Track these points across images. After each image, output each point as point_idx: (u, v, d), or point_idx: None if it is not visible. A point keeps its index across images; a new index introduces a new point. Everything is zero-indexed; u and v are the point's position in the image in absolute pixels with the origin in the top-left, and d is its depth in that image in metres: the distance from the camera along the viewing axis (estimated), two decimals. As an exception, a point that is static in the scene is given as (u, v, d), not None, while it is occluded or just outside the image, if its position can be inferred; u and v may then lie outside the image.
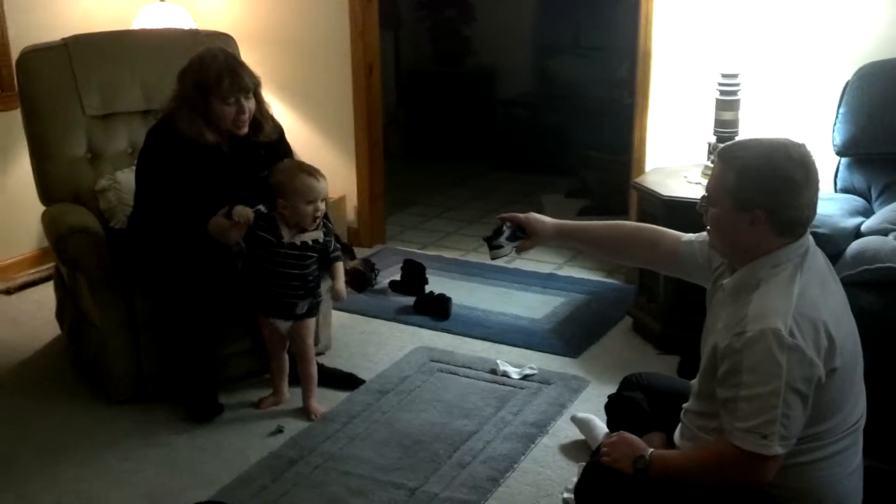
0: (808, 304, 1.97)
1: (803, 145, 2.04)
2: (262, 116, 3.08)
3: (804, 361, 1.92)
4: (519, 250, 2.45)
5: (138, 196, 3.10)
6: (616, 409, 2.63)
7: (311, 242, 2.97)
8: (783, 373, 1.91)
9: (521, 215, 2.45)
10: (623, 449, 2.22)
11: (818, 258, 2.12)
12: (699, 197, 2.19)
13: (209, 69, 2.93)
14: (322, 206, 2.95)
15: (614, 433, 2.33)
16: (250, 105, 2.99)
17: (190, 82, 2.96)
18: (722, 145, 2.20)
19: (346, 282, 4.12)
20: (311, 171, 2.96)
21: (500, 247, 2.40)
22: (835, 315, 2.02)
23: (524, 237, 2.42)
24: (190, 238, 2.93)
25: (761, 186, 2.00)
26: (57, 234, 3.10)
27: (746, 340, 1.96)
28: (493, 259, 2.46)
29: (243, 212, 2.88)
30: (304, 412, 3.08)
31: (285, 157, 3.18)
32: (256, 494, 2.61)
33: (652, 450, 2.18)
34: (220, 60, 2.96)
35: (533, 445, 2.86)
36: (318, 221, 2.97)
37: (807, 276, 2.02)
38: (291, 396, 3.17)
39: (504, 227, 2.40)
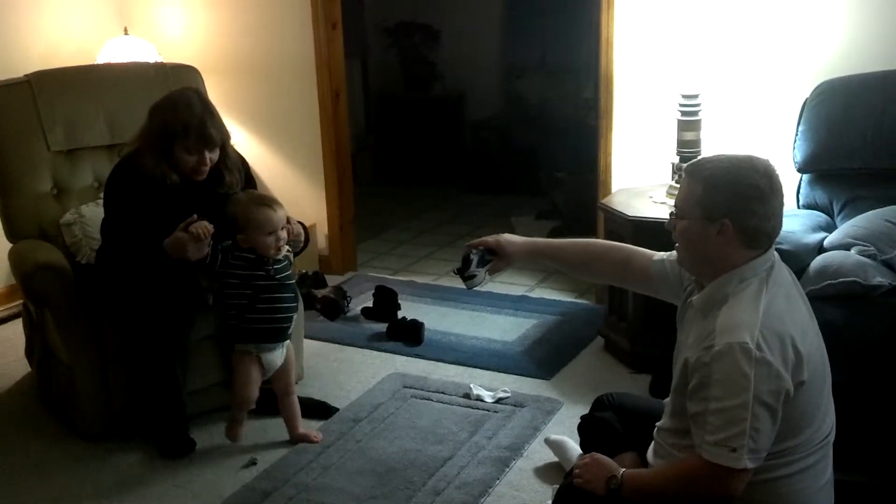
0: (774, 317, 2.00)
1: (767, 159, 2.09)
2: (225, 168, 3.06)
3: (771, 374, 1.95)
4: (492, 272, 2.45)
5: (104, 230, 3.09)
6: (588, 430, 2.63)
7: (286, 253, 3.00)
8: (751, 386, 1.93)
9: (489, 239, 2.46)
10: (595, 470, 2.23)
11: (784, 273, 2.15)
12: (668, 214, 2.22)
13: (179, 116, 2.91)
14: (283, 234, 2.93)
15: (587, 454, 2.34)
16: (213, 156, 2.98)
17: (158, 123, 2.95)
18: (688, 163, 2.23)
19: (317, 309, 4.16)
20: (267, 202, 2.94)
21: (474, 275, 2.39)
22: (801, 329, 2.05)
23: (493, 259, 2.43)
24: (155, 271, 2.92)
25: (728, 195, 2.04)
26: (23, 271, 3.08)
27: (714, 354, 1.99)
28: (469, 289, 2.44)
29: (202, 224, 2.86)
30: (296, 441, 3.06)
31: None
32: (230, 528, 2.59)
33: (624, 469, 2.20)
34: (193, 110, 2.92)
35: (507, 469, 2.87)
36: (281, 251, 2.95)
37: (773, 291, 2.05)
38: (264, 429, 3.16)
39: (471, 255, 2.41)
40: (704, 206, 2.07)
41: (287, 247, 2.98)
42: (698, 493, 2.06)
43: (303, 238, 3.08)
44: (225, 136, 3.02)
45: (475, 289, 2.44)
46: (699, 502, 2.08)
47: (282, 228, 2.93)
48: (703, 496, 2.06)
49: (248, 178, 3.23)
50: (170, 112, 2.94)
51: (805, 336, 2.05)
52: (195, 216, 2.90)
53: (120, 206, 3.01)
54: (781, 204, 2.09)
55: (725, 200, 2.05)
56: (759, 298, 2.03)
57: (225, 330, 3.05)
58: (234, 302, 2.96)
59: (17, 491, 2.85)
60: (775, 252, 2.13)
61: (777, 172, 2.07)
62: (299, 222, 3.09)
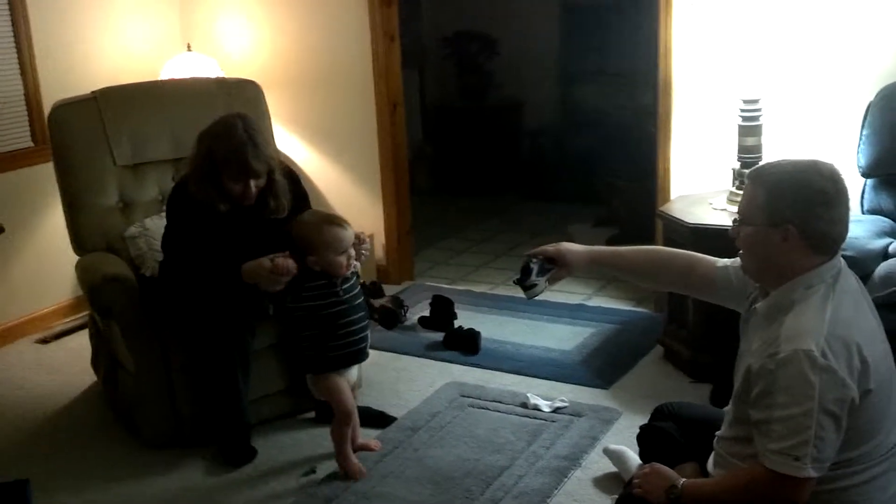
0: (840, 325, 1.97)
1: (832, 164, 2.06)
2: (271, 194, 3.08)
3: (837, 383, 1.92)
4: (552, 281, 2.44)
5: (165, 247, 3.16)
6: (648, 440, 2.62)
7: (354, 270, 2.94)
8: (816, 394, 1.91)
9: (549, 247, 2.46)
10: (655, 480, 2.21)
11: (850, 280, 2.12)
12: (731, 221, 2.21)
13: (222, 146, 2.95)
14: (353, 252, 2.88)
15: (646, 464, 2.32)
16: (259, 184, 3.01)
17: (204, 151, 3.00)
18: (751, 169, 2.21)
19: (375, 319, 4.19)
20: (337, 221, 2.87)
21: (534, 285, 2.39)
22: (868, 337, 2.01)
23: (553, 268, 2.42)
24: (214, 288, 2.98)
25: (792, 200, 2.02)
26: (90, 283, 3.16)
27: (779, 361, 1.96)
28: (529, 298, 2.43)
29: (289, 262, 2.85)
30: (356, 450, 3.00)
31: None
32: (291, 536, 2.63)
33: (684, 479, 2.18)
34: (235, 140, 2.94)
35: (566, 479, 2.85)
36: (351, 269, 2.89)
37: (839, 298, 2.02)
38: (324, 438, 3.19)
39: (531, 264, 2.40)
40: (768, 212, 2.05)
41: (357, 263, 2.93)
42: (761, 502, 2.03)
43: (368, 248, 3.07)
44: (271, 164, 3.03)
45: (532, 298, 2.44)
46: None
47: (351, 247, 2.88)
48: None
49: (299, 197, 3.24)
50: (214, 141, 2.99)
51: (872, 344, 2.01)
52: (287, 252, 2.89)
53: (177, 227, 3.09)
54: (847, 209, 2.06)
55: (790, 206, 2.02)
56: (826, 305, 2.00)
57: (301, 363, 2.98)
58: (308, 333, 2.86)
59: (84, 497, 2.92)
60: (841, 259, 2.10)
61: (842, 177, 2.04)
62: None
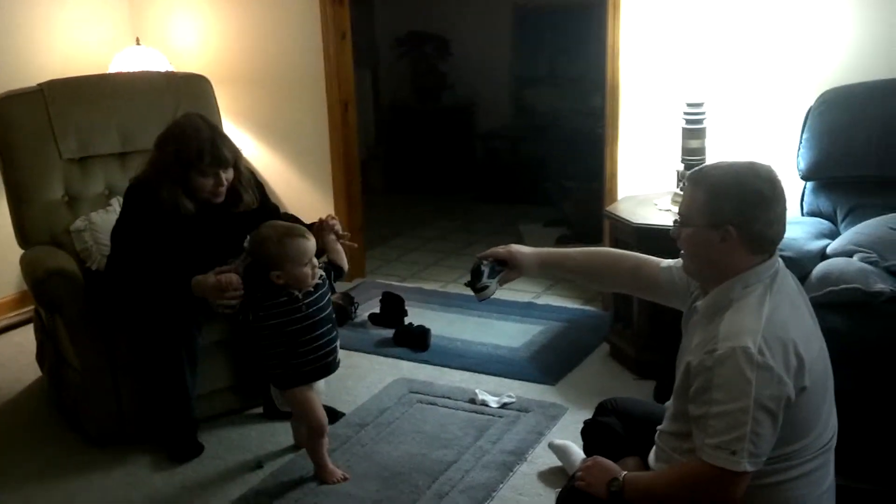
0: (777, 324, 2.02)
1: (769, 165, 2.11)
2: (241, 186, 3.09)
3: (773, 380, 1.96)
4: (503, 283, 2.46)
5: (114, 255, 3.10)
6: (591, 435, 2.65)
7: (319, 280, 2.83)
8: (752, 390, 1.95)
9: (500, 249, 2.48)
10: (597, 473, 2.25)
11: (788, 280, 2.17)
12: (672, 222, 2.25)
13: (191, 143, 2.94)
14: (315, 262, 2.79)
15: (589, 458, 2.36)
16: (228, 176, 3.01)
17: (171, 153, 2.97)
18: (691, 171, 2.26)
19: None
20: (298, 232, 2.77)
21: (486, 287, 2.40)
22: (804, 335, 2.06)
23: (503, 269, 2.45)
24: (164, 289, 2.96)
25: (731, 201, 2.06)
26: (34, 277, 3.12)
27: (717, 358, 2.01)
28: (481, 300, 2.44)
29: (230, 279, 2.81)
30: (325, 480, 2.88)
31: (271, 217, 3.12)
32: (236, 531, 2.62)
33: (625, 472, 2.22)
34: (202, 134, 2.96)
35: (511, 473, 2.88)
36: (315, 278, 2.80)
37: (777, 297, 2.07)
38: (271, 433, 3.20)
39: (482, 267, 2.42)
40: (708, 214, 2.09)
41: (320, 272, 2.84)
42: (698, 495, 2.07)
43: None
44: (237, 154, 3.05)
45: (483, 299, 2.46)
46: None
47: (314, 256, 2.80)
48: (704, 499, 2.08)
49: (263, 200, 3.24)
50: (180, 140, 2.97)
51: (808, 342, 2.06)
52: (231, 264, 2.87)
53: (132, 232, 3.03)
54: (784, 209, 2.11)
55: (729, 207, 2.07)
56: (763, 304, 2.05)
57: (268, 378, 2.92)
58: (274, 352, 2.80)
59: (26, 495, 2.89)
60: (780, 259, 2.15)
61: (779, 178, 2.09)
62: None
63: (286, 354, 2.78)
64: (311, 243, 2.77)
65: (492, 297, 2.44)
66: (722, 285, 2.12)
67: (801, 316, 2.14)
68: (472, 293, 2.43)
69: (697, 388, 2.06)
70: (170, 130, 3.04)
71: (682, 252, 2.22)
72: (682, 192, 3.56)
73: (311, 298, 2.79)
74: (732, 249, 2.08)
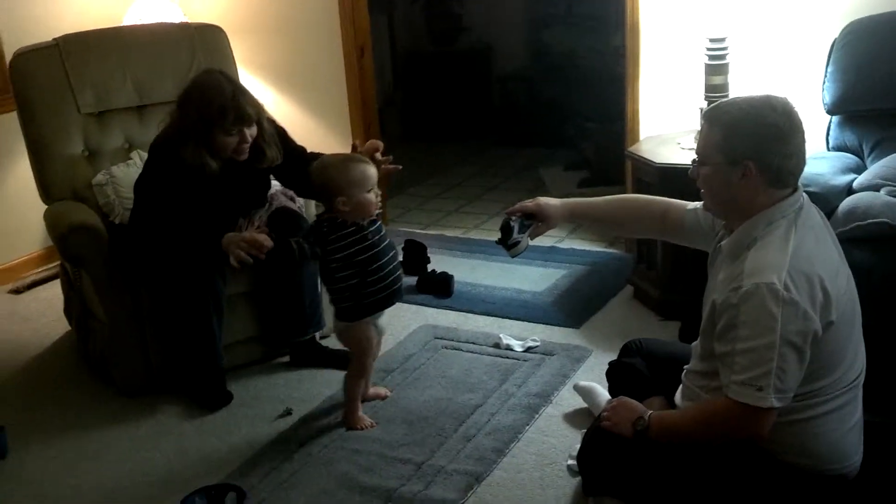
0: (803, 258, 2.00)
1: (785, 98, 2.08)
2: (263, 142, 3.06)
3: (799, 315, 1.95)
4: (533, 236, 2.46)
5: (138, 210, 3.09)
6: (616, 376, 2.67)
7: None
8: (778, 326, 1.95)
9: (528, 203, 2.47)
10: (623, 413, 2.26)
11: (814, 215, 2.15)
12: (690, 162, 2.22)
13: (213, 102, 2.90)
14: (378, 191, 2.76)
15: (615, 399, 2.37)
16: (252, 132, 2.98)
17: (193, 113, 2.92)
18: (706, 109, 2.23)
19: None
20: (359, 159, 2.76)
21: (517, 242, 2.40)
22: (831, 270, 2.05)
23: (532, 223, 2.43)
24: (189, 248, 2.97)
25: (748, 137, 2.04)
26: (58, 231, 3.14)
27: (742, 295, 2.00)
28: (514, 256, 2.44)
29: (261, 237, 2.83)
30: (365, 400, 3.00)
31: (298, 160, 3.17)
32: (266, 476, 2.66)
33: (651, 412, 2.22)
34: (225, 92, 2.91)
35: (537, 416, 2.90)
36: (377, 207, 2.78)
37: (802, 232, 2.05)
38: (299, 380, 3.23)
39: (511, 223, 2.40)
40: (726, 151, 2.07)
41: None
42: (725, 432, 2.08)
43: None
44: (260, 110, 3.02)
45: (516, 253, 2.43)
46: (725, 442, 2.10)
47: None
48: (730, 436, 2.09)
49: (287, 143, 3.23)
50: (203, 100, 2.92)
51: (835, 277, 2.05)
52: (255, 215, 2.93)
53: (157, 191, 3.01)
54: (803, 141, 2.08)
55: (746, 143, 2.05)
56: (788, 240, 2.03)
57: (338, 313, 2.85)
58: (345, 284, 2.76)
59: (58, 446, 2.94)
60: (804, 195, 2.13)
61: (796, 110, 2.06)
62: None
63: (358, 285, 2.75)
64: (372, 169, 2.74)
65: (524, 251, 2.44)
66: (746, 223, 2.11)
67: (828, 251, 2.12)
68: (502, 249, 2.42)
69: (723, 325, 2.06)
70: (191, 89, 3.00)
71: (703, 192, 2.20)
72: (704, 131, 3.53)
73: (375, 227, 2.78)
74: (753, 186, 2.06)
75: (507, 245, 2.40)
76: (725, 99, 2.19)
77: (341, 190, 2.68)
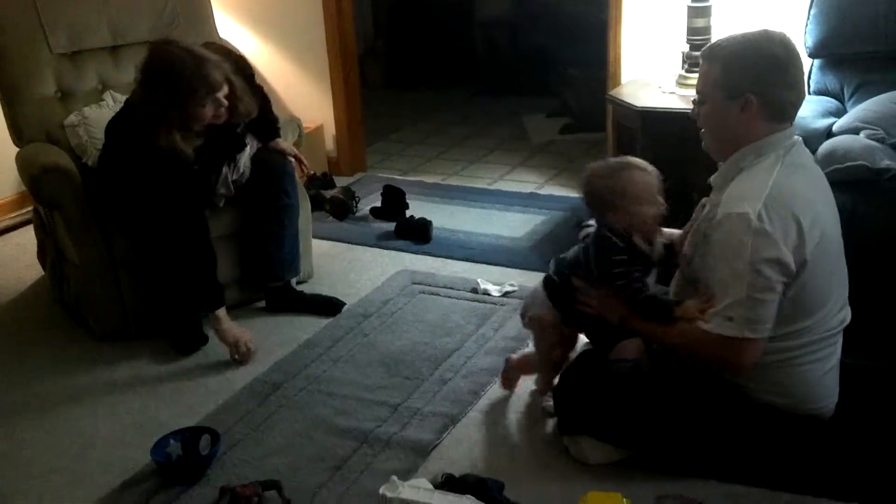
0: (782, 194, 2.00)
1: (782, 32, 2.09)
2: (236, 98, 2.97)
3: (770, 245, 1.95)
4: None
5: (109, 170, 3.05)
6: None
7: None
8: (747, 254, 1.95)
9: None
10: (611, 304, 2.26)
11: (807, 156, 2.15)
12: (690, 103, 2.22)
13: (179, 79, 2.80)
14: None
15: (601, 289, 2.33)
16: (224, 93, 2.89)
17: (160, 95, 2.83)
18: (704, 47, 2.21)
19: (326, 210, 4.18)
20: (642, 164, 2.29)
21: None
22: (811, 212, 2.04)
23: None
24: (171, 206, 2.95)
25: (747, 69, 2.05)
26: (30, 174, 3.09)
27: (715, 225, 2.02)
28: None
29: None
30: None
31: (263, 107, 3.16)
32: (242, 419, 2.65)
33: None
34: (188, 65, 2.81)
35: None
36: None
37: (789, 169, 2.05)
38: (276, 325, 3.21)
39: None
40: (726, 86, 2.07)
41: None
42: (708, 360, 2.09)
43: None
44: (226, 71, 2.92)
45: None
46: (713, 367, 2.12)
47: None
48: (713, 364, 2.10)
49: (258, 92, 3.19)
50: (168, 79, 2.82)
51: (815, 220, 2.04)
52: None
53: (131, 172, 2.96)
54: (802, 74, 2.08)
55: (746, 75, 2.05)
56: (771, 173, 2.03)
57: None
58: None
59: (34, 390, 2.92)
60: (799, 137, 2.12)
61: (793, 43, 2.05)
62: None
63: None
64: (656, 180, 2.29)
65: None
66: (734, 155, 2.10)
67: (813, 193, 2.11)
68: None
69: (699, 255, 2.07)
70: (151, 70, 2.87)
71: (703, 131, 2.19)
72: (687, 74, 3.51)
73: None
74: (753, 119, 2.06)
75: None
76: (723, 36, 2.17)
77: (613, 204, 2.28)
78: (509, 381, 2.70)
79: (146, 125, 2.85)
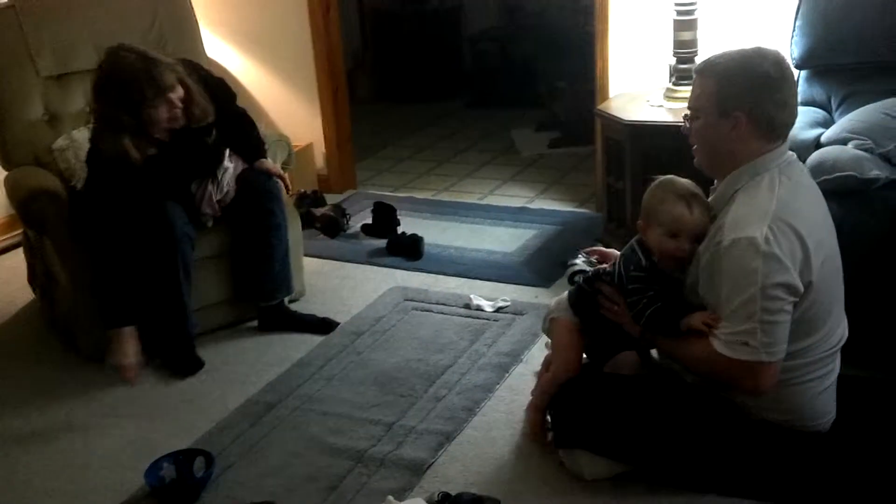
0: (785, 212, 2.00)
1: (776, 50, 2.09)
2: (191, 101, 2.96)
3: (780, 269, 1.96)
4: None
5: (90, 189, 3.03)
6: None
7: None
8: (759, 279, 1.95)
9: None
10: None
11: (802, 172, 2.15)
12: (682, 118, 2.22)
13: (128, 83, 2.79)
14: (689, 247, 2.18)
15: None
16: (178, 95, 2.89)
17: (112, 101, 2.83)
18: (698, 63, 2.22)
19: (317, 228, 4.17)
20: (687, 196, 2.18)
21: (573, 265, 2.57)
22: (813, 229, 2.05)
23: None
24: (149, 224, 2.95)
25: (740, 86, 2.05)
26: (18, 197, 3.09)
27: (723, 250, 2.01)
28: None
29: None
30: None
31: (230, 112, 3.17)
32: (235, 439, 2.64)
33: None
34: (137, 68, 2.80)
35: (507, 374, 2.89)
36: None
37: (787, 187, 2.05)
38: (269, 344, 3.20)
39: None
40: (718, 102, 2.08)
41: None
42: (727, 380, 2.09)
43: None
44: (178, 72, 2.92)
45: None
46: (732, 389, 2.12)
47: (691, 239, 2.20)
48: (733, 385, 2.10)
49: (223, 94, 3.18)
50: (117, 84, 2.82)
51: (818, 237, 2.05)
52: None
53: (102, 195, 2.96)
54: (794, 93, 2.09)
55: (738, 92, 2.05)
56: (772, 191, 2.04)
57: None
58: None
59: (28, 414, 2.90)
60: (793, 153, 2.13)
61: (787, 61, 2.06)
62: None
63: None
64: (694, 218, 2.18)
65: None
66: (730, 175, 2.11)
67: (812, 209, 2.12)
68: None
69: (708, 280, 2.07)
70: (102, 78, 2.88)
71: (695, 147, 2.19)
72: (674, 87, 3.52)
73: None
74: (744, 137, 2.07)
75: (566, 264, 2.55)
76: (717, 52, 2.18)
77: (647, 217, 2.27)
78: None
79: (97, 130, 2.88)
